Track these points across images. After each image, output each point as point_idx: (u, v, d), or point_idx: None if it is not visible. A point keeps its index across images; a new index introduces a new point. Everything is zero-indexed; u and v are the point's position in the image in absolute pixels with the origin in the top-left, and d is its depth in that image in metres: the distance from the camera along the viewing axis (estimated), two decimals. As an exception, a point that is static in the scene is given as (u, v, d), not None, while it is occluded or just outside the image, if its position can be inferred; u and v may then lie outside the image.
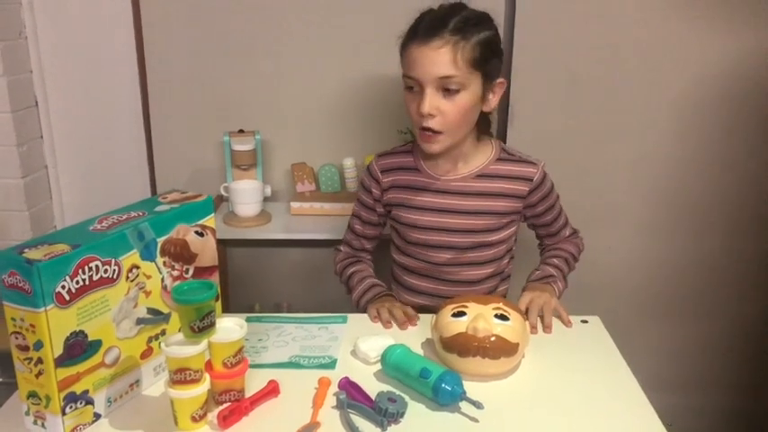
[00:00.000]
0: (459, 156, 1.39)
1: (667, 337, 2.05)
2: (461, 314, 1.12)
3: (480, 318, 1.10)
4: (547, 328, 1.27)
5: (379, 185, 1.45)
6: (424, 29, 1.27)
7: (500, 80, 1.34)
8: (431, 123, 1.29)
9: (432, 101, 1.27)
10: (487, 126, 1.43)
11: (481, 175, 1.40)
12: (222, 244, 1.35)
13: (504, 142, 1.87)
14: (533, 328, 1.25)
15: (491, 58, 1.30)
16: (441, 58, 1.25)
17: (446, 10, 1.29)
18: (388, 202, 1.45)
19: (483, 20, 1.30)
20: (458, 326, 1.11)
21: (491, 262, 1.45)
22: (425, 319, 1.29)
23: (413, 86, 1.30)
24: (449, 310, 1.15)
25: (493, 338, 1.08)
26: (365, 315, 1.37)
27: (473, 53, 1.26)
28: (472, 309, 1.13)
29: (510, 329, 1.10)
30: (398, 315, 1.31)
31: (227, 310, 1.10)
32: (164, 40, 1.91)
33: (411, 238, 1.44)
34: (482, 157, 1.42)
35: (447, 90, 1.27)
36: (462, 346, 1.08)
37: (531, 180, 1.40)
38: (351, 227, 1.54)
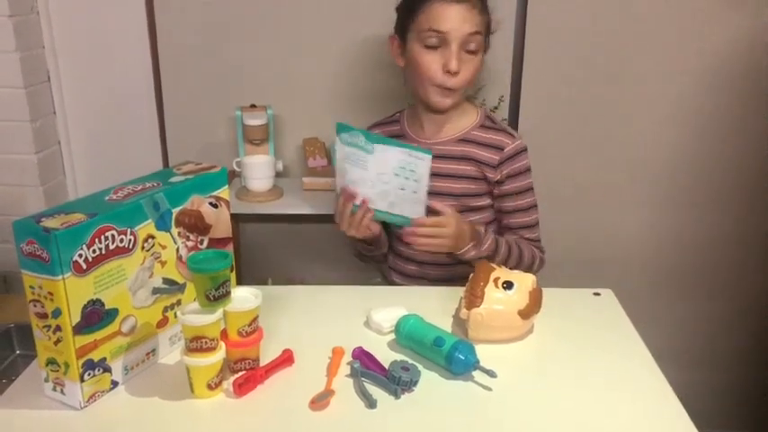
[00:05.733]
0: (446, 118, 1.40)
1: (676, 311, 2.04)
2: (510, 285, 1.13)
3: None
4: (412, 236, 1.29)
5: None
6: None
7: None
8: (451, 83, 1.30)
9: (459, 57, 1.29)
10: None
11: (462, 140, 1.41)
12: (234, 219, 1.36)
13: (517, 116, 1.86)
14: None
15: (491, 19, 1.36)
16: (471, 14, 1.28)
17: None
18: None
19: None
20: (525, 294, 1.13)
21: None
22: (430, 292, 1.29)
23: (435, 44, 1.30)
24: (493, 285, 1.13)
25: None
26: (378, 287, 1.38)
27: (486, 15, 1.32)
28: (505, 274, 1.15)
29: None
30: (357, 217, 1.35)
31: (239, 284, 1.10)
32: (176, 15, 1.90)
33: None
34: (466, 120, 1.43)
35: (467, 50, 1.30)
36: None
37: (503, 150, 1.39)
38: None
